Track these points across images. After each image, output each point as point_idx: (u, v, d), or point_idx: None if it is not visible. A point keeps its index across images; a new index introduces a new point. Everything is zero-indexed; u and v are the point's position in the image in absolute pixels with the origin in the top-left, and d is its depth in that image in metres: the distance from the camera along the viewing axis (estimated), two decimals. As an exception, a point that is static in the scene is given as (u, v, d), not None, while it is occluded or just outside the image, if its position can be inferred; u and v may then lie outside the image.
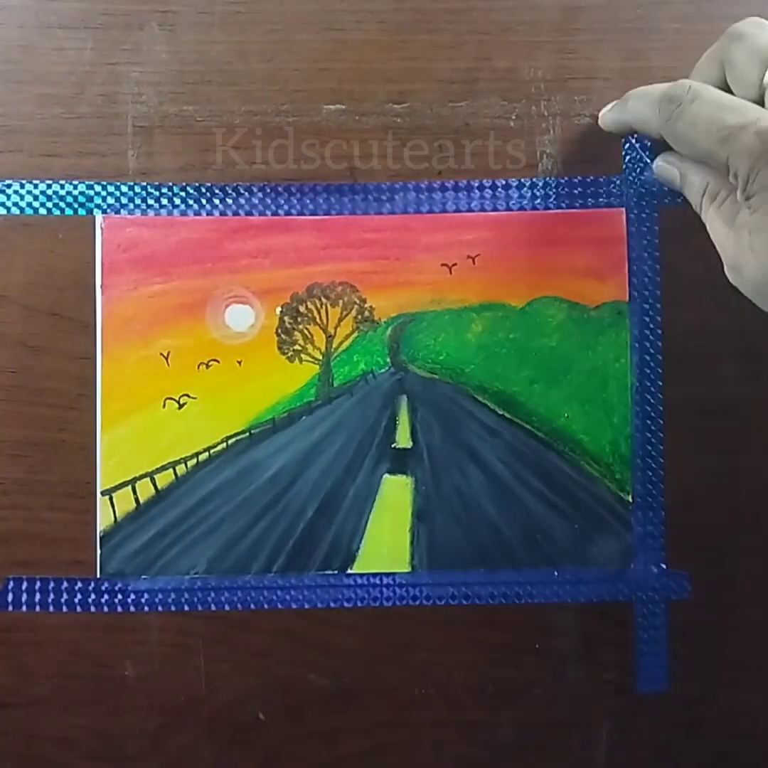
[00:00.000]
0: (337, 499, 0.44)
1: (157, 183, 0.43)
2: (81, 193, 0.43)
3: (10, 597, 0.43)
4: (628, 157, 0.43)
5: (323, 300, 0.44)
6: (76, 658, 0.43)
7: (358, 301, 0.44)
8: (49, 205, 0.43)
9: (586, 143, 0.44)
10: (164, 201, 0.43)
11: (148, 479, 0.43)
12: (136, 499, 0.43)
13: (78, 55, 0.43)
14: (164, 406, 0.43)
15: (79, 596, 0.43)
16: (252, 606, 0.43)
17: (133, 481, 0.43)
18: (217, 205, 0.44)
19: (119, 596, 0.43)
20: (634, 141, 0.43)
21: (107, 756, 0.43)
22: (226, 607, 0.43)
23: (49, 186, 0.43)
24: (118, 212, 0.43)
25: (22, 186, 0.43)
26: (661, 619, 0.44)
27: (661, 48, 0.44)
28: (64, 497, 0.43)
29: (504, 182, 0.44)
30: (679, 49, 0.44)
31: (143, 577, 0.43)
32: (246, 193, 0.44)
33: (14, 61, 0.43)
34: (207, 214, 0.44)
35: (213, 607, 0.43)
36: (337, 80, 0.44)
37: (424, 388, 0.44)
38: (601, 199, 0.44)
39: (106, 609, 0.43)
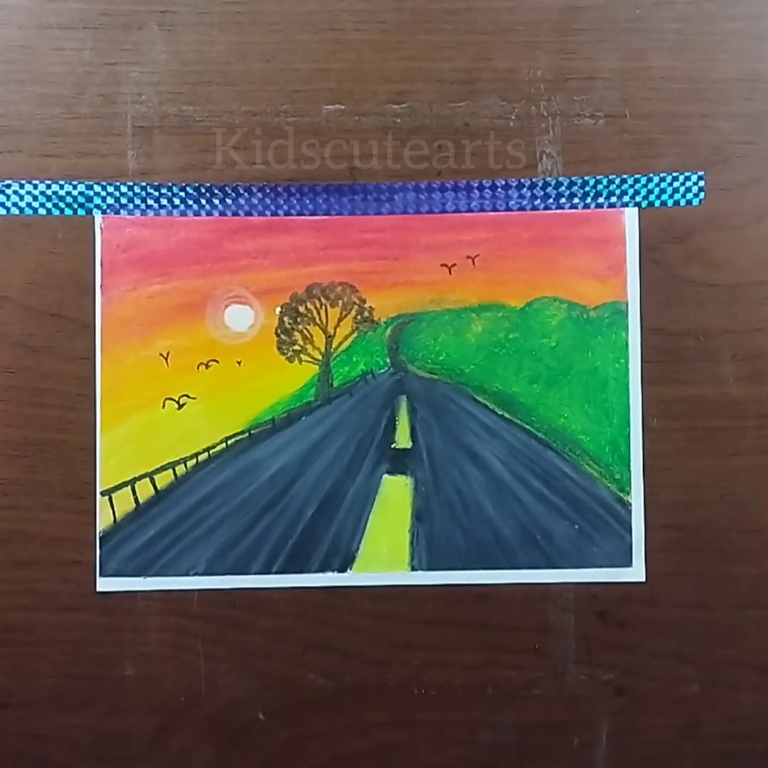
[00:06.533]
0: (336, 499, 0.44)
1: (156, 183, 0.43)
2: (80, 193, 0.43)
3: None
4: None
5: (323, 300, 0.44)
6: (76, 658, 0.43)
7: (357, 302, 0.44)
8: (49, 205, 0.43)
9: (585, 143, 0.44)
10: (164, 201, 0.43)
11: (147, 479, 0.43)
12: (136, 500, 0.43)
13: (77, 55, 0.43)
14: (164, 406, 0.43)
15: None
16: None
17: (132, 482, 0.43)
18: (216, 206, 0.44)
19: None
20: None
21: (107, 756, 0.43)
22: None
23: (48, 186, 0.43)
24: (117, 212, 0.43)
25: (22, 186, 0.43)
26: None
27: (661, 48, 0.44)
28: (64, 497, 0.43)
29: (504, 182, 0.44)
30: (679, 49, 0.44)
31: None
32: (246, 194, 0.44)
33: (14, 61, 0.43)
34: (206, 215, 0.44)
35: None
36: (336, 80, 0.44)
37: (423, 389, 0.44)
38: (601, 199, 0.44)
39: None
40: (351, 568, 0.43)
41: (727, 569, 0.44)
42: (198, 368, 0.43)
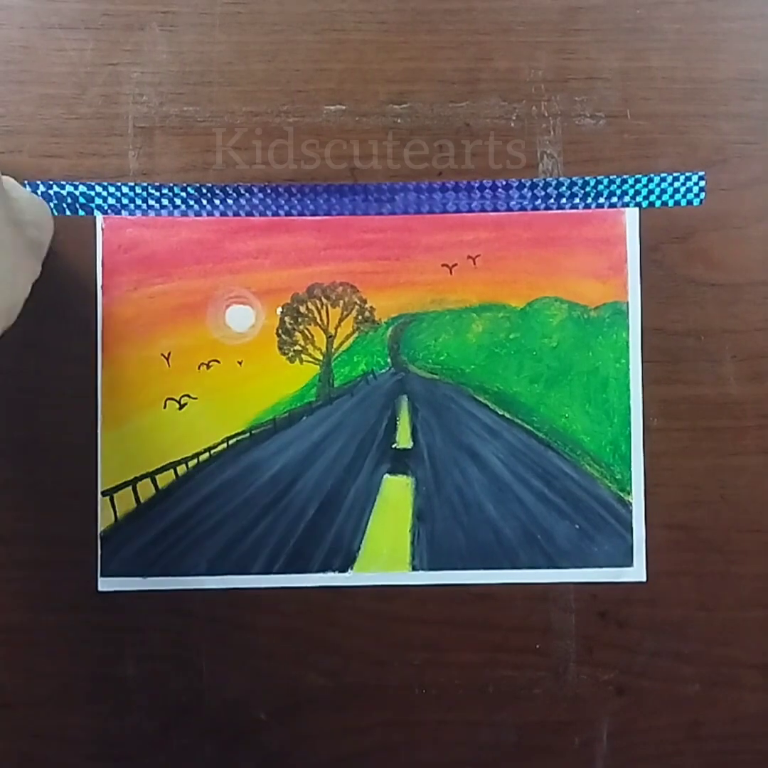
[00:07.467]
0: (337, 499, 0.44)
1: (157, 183, 0.43)
2: (82, 193, 0.43)
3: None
4: None
5: (324, 300, 0.44)
6: (76, 658, 0.43)
7: (358, 302, 0.44)
8: (50, 205, 0.43)
9: (586, 143, 0.44)
10: (165, 201, 0.43)
11: (148, 479, 0.43)
12: (137, 499, 0.43)
13: (79, 55, 0.43)
14: (165, 406, 0.43)
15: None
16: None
17: (133, 482, 0.43)
18: (217, 206, 0.44)
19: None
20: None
21: (107, 756, 0.43)
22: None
23: (49, 187, 0.43)
24: (118, 213, 0.43)
25: (23, 186, 0.43)
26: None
27: (661, 48, 0.44)
28: (64, 497, 0.43)
29: (504, 182, 0.44)
30: (679, 49, 0.44)
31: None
32: (246, 194, 0.44)
33: (15, 62, 0.43)
34: (207, 215, 0.44)
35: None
36: (337, 80, 0.44)
37: (424, 389, 0.44)
38: (601, 199, 0.44)
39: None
40: (352, 568, 0.43)
41: (727, 569, 0.44)
42: (199, 368, 0.43)
